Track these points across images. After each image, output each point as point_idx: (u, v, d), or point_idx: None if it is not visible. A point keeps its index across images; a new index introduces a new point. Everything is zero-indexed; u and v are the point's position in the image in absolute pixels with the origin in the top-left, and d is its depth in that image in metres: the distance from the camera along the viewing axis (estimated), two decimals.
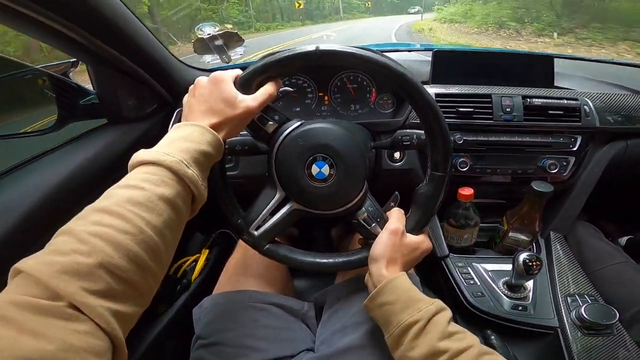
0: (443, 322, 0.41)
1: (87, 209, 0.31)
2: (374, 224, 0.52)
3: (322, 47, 0.45)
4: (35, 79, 0.69)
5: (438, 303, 0.43)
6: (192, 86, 0.45)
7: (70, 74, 0.70)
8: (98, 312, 0.25)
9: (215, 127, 0.41)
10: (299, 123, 0.51)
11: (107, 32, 0.57)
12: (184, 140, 0.38)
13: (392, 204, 0.55)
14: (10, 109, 0.73)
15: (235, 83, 0.44)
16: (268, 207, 0.52)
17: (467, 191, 0.69)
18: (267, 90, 0.45)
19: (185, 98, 0.45)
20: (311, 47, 0.46)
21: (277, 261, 0.54)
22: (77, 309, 0.25)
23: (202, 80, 0.44)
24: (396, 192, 0.56)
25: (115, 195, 0.32)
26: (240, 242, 0.71)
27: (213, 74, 0.44)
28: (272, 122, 0.50)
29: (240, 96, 0.43)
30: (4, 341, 0.21)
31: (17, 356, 0.21)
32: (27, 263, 0.26)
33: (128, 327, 0.29)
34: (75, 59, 0.66)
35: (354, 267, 0.53)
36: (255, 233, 0.52)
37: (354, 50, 0.46)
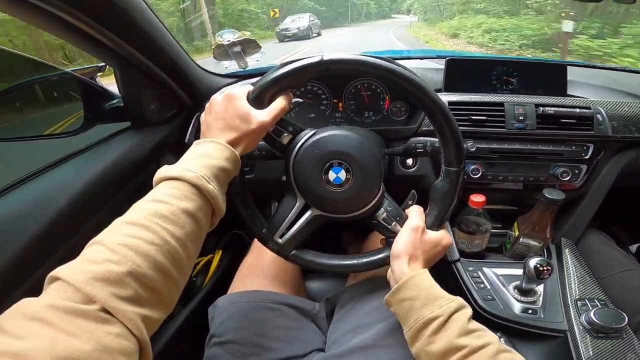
0: (463, 319, 0.41)
1: (117, 221, 0.33)
2: (394, 223, 0.53)
3: (327, 56, 0.46)
4: (66, 82, 0.72)
5: (459, 300, 0.43)
6: (207, 104, 0.47)
7: (97, 78, 0.73)
8: (128, 316, 0.27)
9: (233, 143, 0.43)
10: (312, 132, 0.52)
11: (136, 38, 0.60)
12: (205, 156, 0.40)
13: (410, 202, 0.56)
14: (41, 108, 0.76)
15: (247, 98, 0.46)
16: (290, 215, 0.54)
17: (478, 198, 0.70)
18: (279, 104, 0.47)
19: (202, 116, 0.48)
20: (316, 58, 0.47)
21: (303, 266, 0.55)
22: (109, 312, 0.27)
23: (216, 98, 0.46)
24: (413, 191, 0.57)
25: (142, 208, 0.34)
26: (255, 244, 0.73)
27: (226, 91, 0.46)
28: (286, 134, 0.52)
29: (254, 111, 0.45)
30: (43, 341, 0.23)
31: (57, 355, 0.22)
32: (62, 270, 0.28)
33: (152, 331, 0.31)
34: (103, 64, 0.69)
35: (378, 266, 0.54)
36: (280, 241, 0.54)
37: (359, 57, 0.47)
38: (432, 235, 0.51)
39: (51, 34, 0.55)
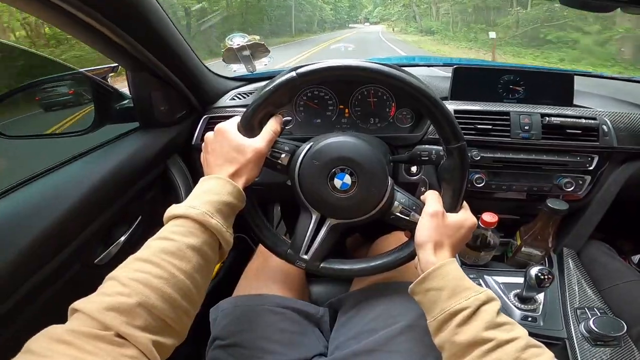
0: (492, 312, 0.40)
1: (130, 258, 0.37)
2: (411, 213, 0.52)
3: (300, 70, 0.48)
4: (78, 81, 0.73)
5: (488, 292, 0.42)
6: (203, 144, 0.49)
7: (109, 78, 0.74)
8: (141, 341, 0.30)
9: (234, 176, 0.45)
10: (308, 145, 0.52)
11: (151, 40, 0.61)
12: (208, 193, 0.43)
13: (423, 188, 0.55)
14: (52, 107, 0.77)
15: (239, 129, 0.48)
16: (309, 230, 0.54)
17: (491, 218, 0.69)
18: (270, 127, 0.48)
19: (202, 156, 0.50)
20: (290, 74, 0.48)
21: (334, 276, 0.55)
22: (124, 338, 0.30)
23: (209, 136, 0.49)
24: (423, 177, 0.56)
25: (152, 246, 0.37)
26: (260, 248, 0.74)
27: (217, 126, 0.48)
28: (284, 154, 0.52)
29: (247, 141, 0.46)
30: (66, 359, 0.26)
31: None
32: (80, 303, 0.31)
33: (166, 356, 0.34)
34: (116, 64, 0.71)
35: (408, 260, 0.53)
36: (306, 257, 0.54)
37: (328, 64, 0.47)
38: (454, 218, 0.49)
39: (67, 33, 0.56)
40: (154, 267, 0.35)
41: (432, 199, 0.49)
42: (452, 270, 0.44)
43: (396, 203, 0.52)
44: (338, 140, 0.52)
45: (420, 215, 0.50)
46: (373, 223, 0.54)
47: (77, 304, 0.31)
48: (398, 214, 0.52)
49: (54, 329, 0.29)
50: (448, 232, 0.48)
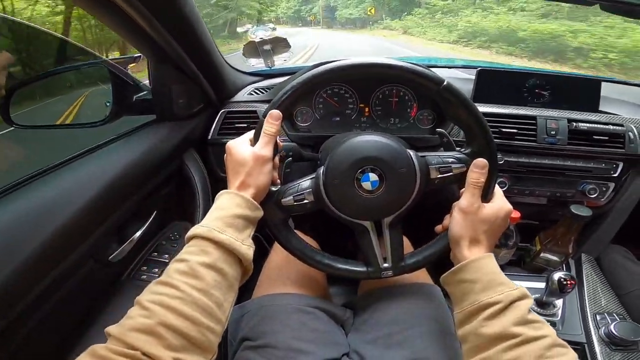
0: (524, 308, 0.39)
1: (152, 282, 0.39)
2: (452, 167, 0.50)
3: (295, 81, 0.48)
4: (100, 71, 0.71)
5: (522, 289, 0.41)
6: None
7: (128, 69, 0.72)
8: (165, 359, 0.32)
9: (242, 187, 0.46)
10: (320, 170, 0.51)
11: (183, 33, 0.60)
12: (217, 209, 0.44)
13: (445, 139, 0.53)
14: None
15: (251, 142, 0.49)
16: (374, 241, 0.53)
17: (514, 213, 0.69)
18: (265, 131, 0.47)
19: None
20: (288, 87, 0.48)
21: (423, 267, 0.54)
22: (149, 356, 0.32)
23: (225, 156, 0.50)
24: (439, 130, 0.54)
25: (169, 269, 0.39)
26: (276, 246, 0.72)
27: (226, 145, 0.49)
28: (307, 191, 0.51)
29: (246, 151, 0.47)
30: None
31: None
32: (110, 328, 0.34)
33: None
34: (138, 55, 0.69)
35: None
36: (388, 265, 0.53)
37: (314, 72, 0.47)
38: (488, 209, 0.47)
39: (100, 20, 0.55)
40: (170, 289, 0.37)
41: (466, 192, 0.48)
42: (487, 264, 0.44)
43: (431, 168, 0.50)
44: (344, 149, 0.50)
45: (462, 163, 0.49)
46: (428, 201, 0.52)
47: (108, 328, 0.34)
48: (440, 176, 0.50)
49: (93, 348, 0.32)
50: (483, 227, 0.46)
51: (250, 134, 0.50)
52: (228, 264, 0.41)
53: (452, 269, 0.45)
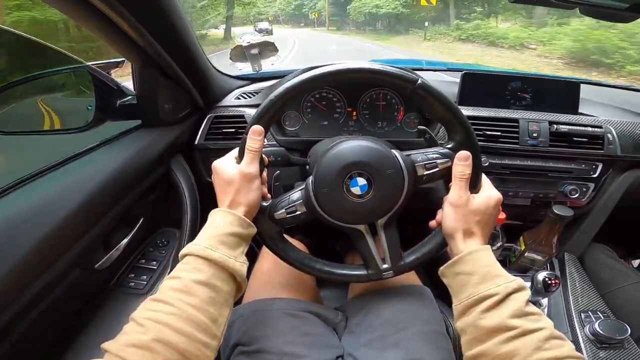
0: (521, 300, 0.39)
1: (147, 299, 0.39)
2: (438, 162, 0.50)
3: (275, 93, 0.48)
4: (83, 75, 0.70)
5: (519, 281, 0.41)
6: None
7: (112, 73, 0.71)
8: None
9: (232, 205, 0.46)
10: (309, 180, 0.51)
11: (168, 37, 0.59)
12: (209, 228, 0.45)
13: (427, 135, 0.55)
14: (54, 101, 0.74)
15: (236, 159, 0.49)
16: (371, 246, 0.53)
17: (500, 215, 0.69)
18: (248, 147, 0.47)
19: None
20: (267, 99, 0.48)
21: (423, 264, 0.54)
22: None
23: (212, 176, 0.50)
24: (420, 127, 0.57)
25: (164, 286, 0.40)
26: (264, 250, 0.72)
27: (212, 165, 0.50)
28: (298, 203, 0.51)
29: (232, 170, 0.47)
30: None
31: None
32: (106, 344, 0.35)
33: None
34: (121, 59, 0.68)
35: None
36: (387, 266, 0.54)
37: (293, 83, 0.48)
38: (478, 199, 0.47)
39: (81, 24, 0.54)
40: (164, 305, 0.37)
41: (454, 186, 0.48)
42: (484, 256, 0.44)
43: (417, 165, 0.50)
44: (329, 157, 0.51)
45: (446, 158, 0.49)
46: (419, 198, 0.53)
47: (105, 344, 0.35)
48: (427, 173, 0.50)
49: None
50: (475, 218, 0.46)
51: (235, 151, 0.50)
52: (222, 281, 0.42)
53: (449, 261, 0.46)
